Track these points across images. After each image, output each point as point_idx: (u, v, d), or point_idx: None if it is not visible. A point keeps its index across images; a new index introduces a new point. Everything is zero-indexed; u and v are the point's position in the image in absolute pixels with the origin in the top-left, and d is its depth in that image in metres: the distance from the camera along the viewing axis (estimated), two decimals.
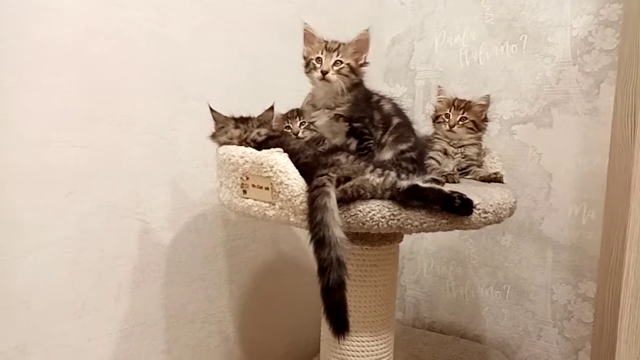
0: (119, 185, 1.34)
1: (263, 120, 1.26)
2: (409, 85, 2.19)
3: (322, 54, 1.14)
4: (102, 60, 1.28)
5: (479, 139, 1.39)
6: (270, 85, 1.72)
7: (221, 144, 1.23)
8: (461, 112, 1.35)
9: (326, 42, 1.16)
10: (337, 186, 0.99)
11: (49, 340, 1.23)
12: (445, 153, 1.36)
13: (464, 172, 1.36)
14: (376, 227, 0.99)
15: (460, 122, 1.35)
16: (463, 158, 1.36)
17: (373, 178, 1.00)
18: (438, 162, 1.34)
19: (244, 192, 1.10)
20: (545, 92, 1.84)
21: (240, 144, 1.20)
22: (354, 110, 1.15)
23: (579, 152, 1.79)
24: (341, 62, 1.14)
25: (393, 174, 1.01)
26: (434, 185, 1.00)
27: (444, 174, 1.27)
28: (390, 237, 1.23)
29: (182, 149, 1.48)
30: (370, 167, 1.03)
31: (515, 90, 1.90)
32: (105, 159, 1.31)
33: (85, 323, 1.30)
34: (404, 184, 0.98)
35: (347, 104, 1.15)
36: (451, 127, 1.35)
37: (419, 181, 1.00)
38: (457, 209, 0.99)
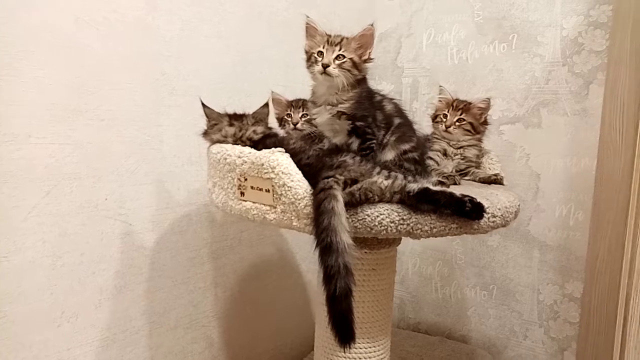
0: (101, 184, 1.26)
1: (258, 117, 1.19)
2: (395, 83, 2.15)
3: (324, 47, 1.09)
4: (87, 51, 1.20)
5: (479, 140, 1.36)
6: (258, 80, 1.66)
7: (214, 142, 1.16)
8: (459, 113, 1.32)
9: (328, 35, 1.11)
10: (343, 189, 0.94)
11: (25, 351, 1.14)
12: (445, 154, 1.33)
13: (462, 173, 1.33)
14: (385, 232, 0.94)
15: (457, 123, 1.32)
16: (462, 159, 1.33)
17: (381, 181, 0.95)
18: (437, 162, 1.31)
19: (242, 194, 1.03)
20: (534, 92, 1.84)
21: (235, 143, 1.13)
22: (357, 108, 1.10)
23: (567, 152, 1.79)
24: (343, 57, 1.09)
25: (401, 176, 0.96)
26: (444, 188, 0.96)
27: (444, 175, 1.24)
28: (389, 240, 1.19)
29: (167, 146, 1.41)
30: (377, 169, 0.98)
31: (504, 89, 1.89)
32: (87, 156, 1.22)
33: (64, 331, 1.21)
34: (414, 187, 0.94)
35: (351, 101, 1.10)
36: (447, 127, 1.32)
37: (429, 184, 0.96)
38: (468, 213, 0.95)
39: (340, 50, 1.09)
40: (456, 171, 1.31)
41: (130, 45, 1.29)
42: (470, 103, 1.34)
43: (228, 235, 1.62)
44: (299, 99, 1.34)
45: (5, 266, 1.10)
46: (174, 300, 1.47)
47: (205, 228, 1.54)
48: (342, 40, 1.11)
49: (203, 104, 1.19)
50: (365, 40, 1.11)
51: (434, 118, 1.37)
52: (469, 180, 1.32)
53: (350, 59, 1.10)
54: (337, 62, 1.09)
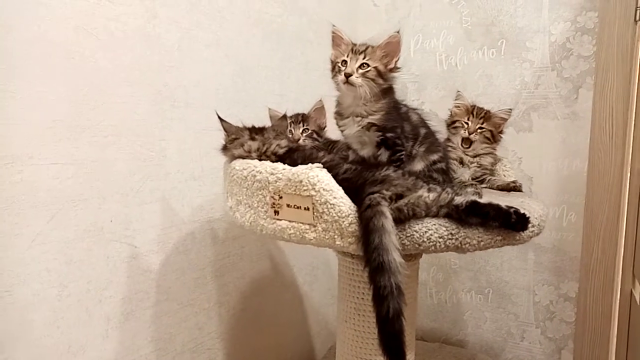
0: (107, 205, 1.17)
1: (279, 130, 1.14)
2: None
3: (347, 56, 1.05)
4: (88, 62, 1.11)
5: (494, 148, 1.36)
6: (255, 89, 1.60)
7: (235, 157, 1.09)
8: (480, 121, 1.31)
9: (354, 44, 1.07)
10: (389, 205, 0.90)
11: None
12: (461, 162, 1.32)
13: (478, 180, 1.32)
14: (433, 247, 0.91)
15: (479, 131, 1.31)
16: (478, 167, 1.32)
17: (426, 194, 0.92)
18: (453, 171, 1.29)
19: (276, 212, 0.97)
20: (525, 97, 1.87)
21: (258, 158, 1.07)
22: (387, 119, 1.07)
23: (558, 155, 1.83)
24: (367, 65, 1.05)
25: (449, 189, 0.94)
26: (490, 200, 0.94)
27: (464, 184, 1.22)
28: (415, 253, 1.16)
29: (170, 162, 1.32)
30: (420, 182, 0.95)
31: (494, 95, 1.91)
32: (91, 175, 1.13)
33: None
34: (462, 200, 0.91)
35: (380, 112, 1.07)
36: (470, 133, 1.31)
37: (475, 196, 0.94)
38: (514, 225, 0.94)
39: (364, 58, 1.06)
40: (472, 179, 1.30)
41: (132, 55, 1.20)
42: (489, 111, 1.34)
43: (230, 251, 1.55)
44: (298, 114, 1.33)
45: (7, 301, 0.99)
46: (179, 324, 1.39)
47: (208, 246, 1.47)
48: (366, 48, 1.07)
49: (220, 117, 1.12)
50: (391, 48, 1.08)
51: (451, 124, 1.36)
52: (486, 187, 1.32)
53: (375, 67, 1.06)
54: (360, 71, 1.05)
